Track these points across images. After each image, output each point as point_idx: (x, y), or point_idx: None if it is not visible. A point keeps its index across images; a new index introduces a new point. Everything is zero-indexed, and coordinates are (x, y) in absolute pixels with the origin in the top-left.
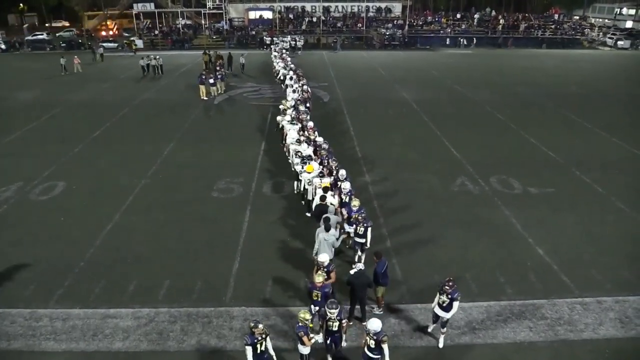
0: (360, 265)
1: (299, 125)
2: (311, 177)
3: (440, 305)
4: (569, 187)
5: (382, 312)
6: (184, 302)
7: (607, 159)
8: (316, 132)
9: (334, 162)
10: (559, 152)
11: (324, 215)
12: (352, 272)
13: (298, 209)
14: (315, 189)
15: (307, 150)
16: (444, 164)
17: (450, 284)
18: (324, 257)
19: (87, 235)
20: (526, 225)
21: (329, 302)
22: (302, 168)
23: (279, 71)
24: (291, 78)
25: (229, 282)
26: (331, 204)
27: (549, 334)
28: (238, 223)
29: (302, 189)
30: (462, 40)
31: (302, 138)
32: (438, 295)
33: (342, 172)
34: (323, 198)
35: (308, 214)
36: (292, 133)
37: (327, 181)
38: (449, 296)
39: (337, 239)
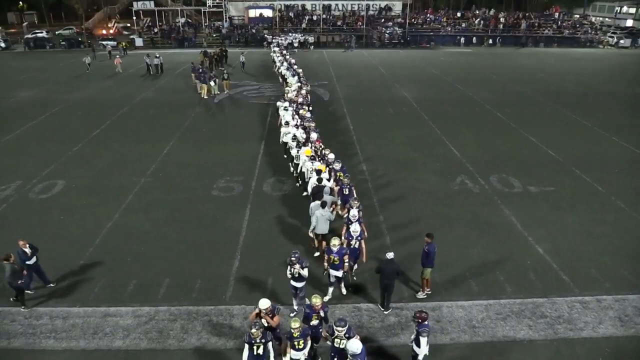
0: (390, 254)
1: (292, 108)
2: (309, 160)
3: (413, 339)
4: (569, 186)
5: (426, 296)
6: (184, 300)
7: (607, 158)
8: (328, 150)
9: (356, 202)
10: (559, 150)
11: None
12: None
13: (298, 207)
14: (312, 171)
15: (298, 132)
16: (443, 163)
17: (418, 314)
18: (264, 303)
19: (87, 234)
20: (526, 224)
21: (337, 319)
22: (298, 152)
23: (278, 66)
24: (287, 68)
25: (229, 281)
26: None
27: (548, 332)
28: (238, 221)
29: (299, 171)
30: (487, 39)
31: (292, 122)
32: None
33: (354, 213)
34: (319, 180)
35: (305, 193)
36: (286, 117)
37: (321, 165)
38: (416, 329)
39: (332, 213)
